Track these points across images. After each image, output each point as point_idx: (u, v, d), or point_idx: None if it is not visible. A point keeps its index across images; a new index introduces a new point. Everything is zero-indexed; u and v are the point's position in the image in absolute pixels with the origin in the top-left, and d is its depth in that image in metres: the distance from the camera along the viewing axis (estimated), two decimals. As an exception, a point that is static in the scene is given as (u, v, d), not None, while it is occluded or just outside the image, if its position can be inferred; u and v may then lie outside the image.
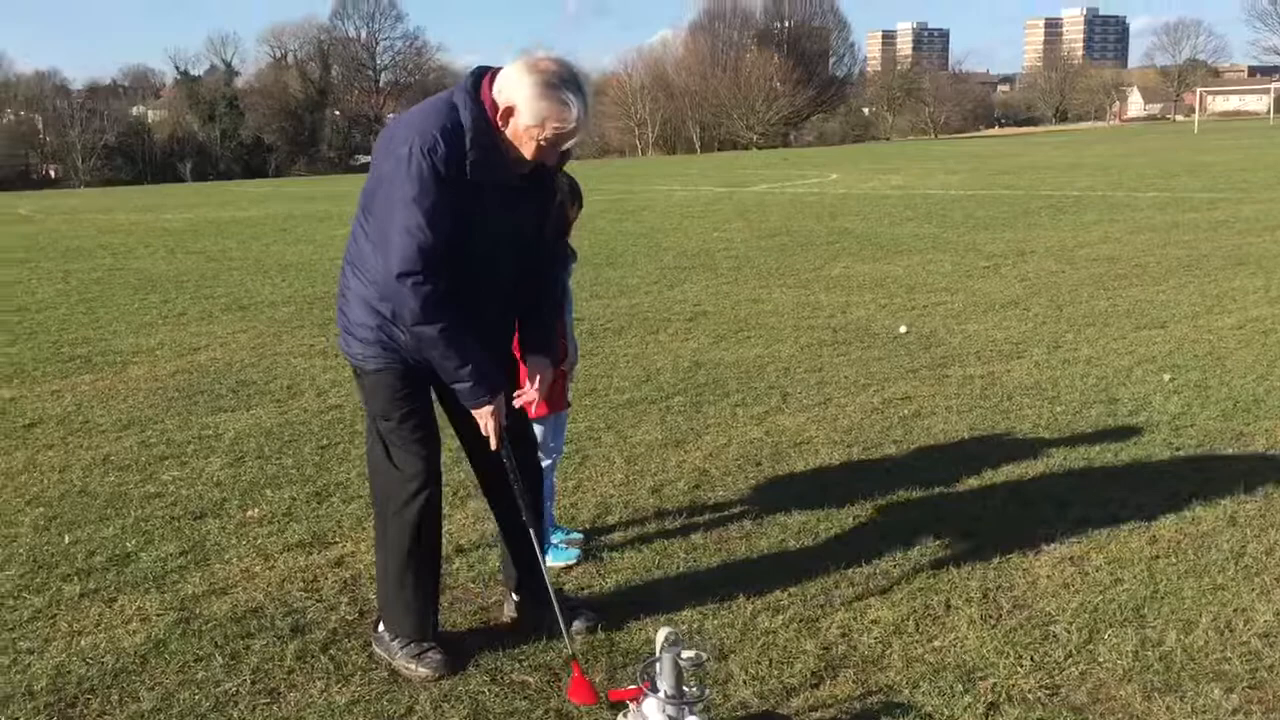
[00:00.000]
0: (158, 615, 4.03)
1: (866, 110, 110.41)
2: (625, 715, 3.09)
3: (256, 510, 5.13)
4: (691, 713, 2.94)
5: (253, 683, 3.52)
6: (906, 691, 3.33)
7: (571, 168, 3.52)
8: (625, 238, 16.98)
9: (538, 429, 4.28)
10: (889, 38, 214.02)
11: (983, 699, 3.26)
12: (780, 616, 3.84)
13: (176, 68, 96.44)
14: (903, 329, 8.73)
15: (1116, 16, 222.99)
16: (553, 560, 4.35)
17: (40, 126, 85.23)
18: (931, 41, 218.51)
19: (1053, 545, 4.35)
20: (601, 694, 3.27)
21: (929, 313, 9.50)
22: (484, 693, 3.42)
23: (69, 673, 3.61)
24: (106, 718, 3.34)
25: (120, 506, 5.23)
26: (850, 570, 4.18)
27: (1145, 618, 3.74)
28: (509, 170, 3.30)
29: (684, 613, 3.89)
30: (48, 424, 6.83)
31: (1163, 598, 3.88)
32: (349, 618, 3.97)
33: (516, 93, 3.17)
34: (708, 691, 3.12)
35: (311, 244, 18.22)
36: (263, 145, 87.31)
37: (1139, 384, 6.75)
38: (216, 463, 5.89)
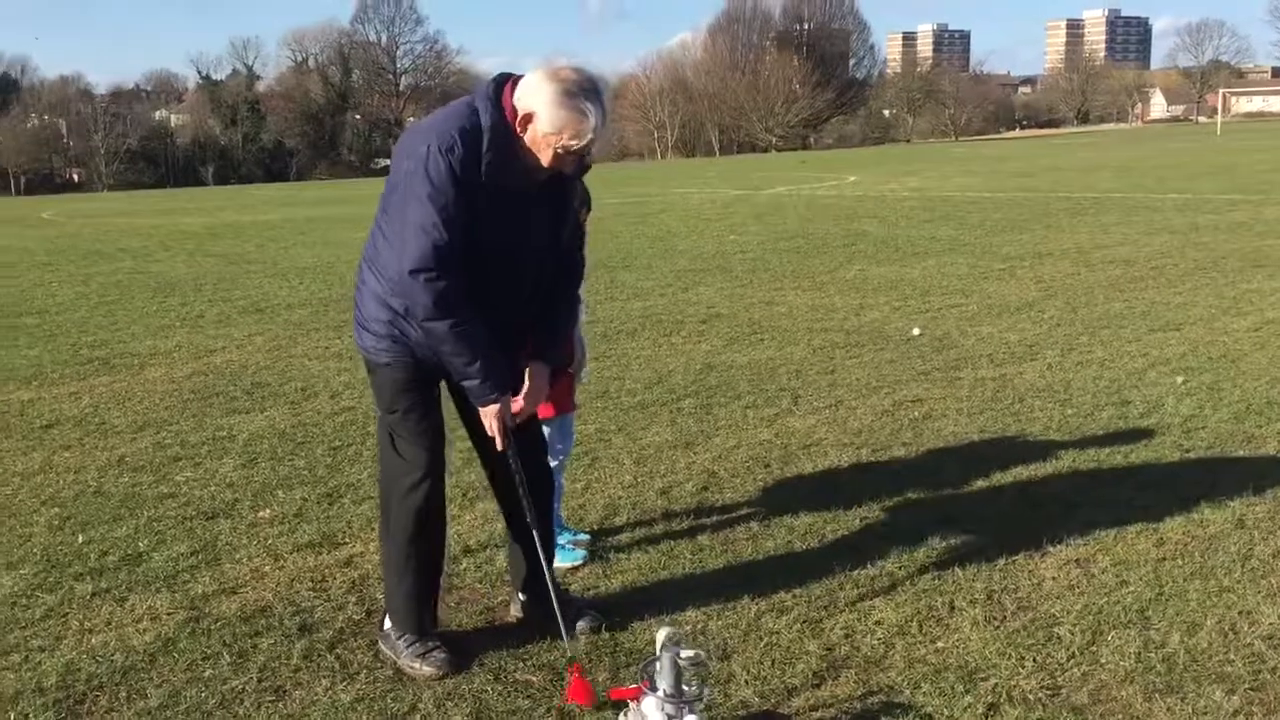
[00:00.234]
0: (168, 614, 4.07)
1: (886, 112, 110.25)
2: (625, 714, 3.11)
3: (268, 511, 5.18)
4: (690, 711, 2.96)
5: (259, 680, 3.55)
6: (907, 692, 3.34)
7: (590, 171, 3.54)
8: (641, 241, 17.01)
9: (544, 430, 4.31)
10: (909, 39, 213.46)
11: (983, 699, 3.27)
12: (784, 617, 3.85)
13: (199, 72, 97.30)
14: (916, 331, 8.73)
15: (1139, 17, 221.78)
16: (559, 561, 4.37)
17: (64, 131, 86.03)
18: (952, 43, 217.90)
19: (1059, 547, 4.34)
20: (601, 695, 3.29)
21: (943, 315, 9.49)
22: (487, 691, 3.44)
23: (78, 670, 3.65)
24: (114, 714, 3.38)
25: (134, 507, 5.29)
26: (855, 571, 4.19)
27: (1150, 619, 3.74)
28: (526, 176, 3.34)
29: (688, 613, 3.91)
30: (65, 425, 6.90)
31: (1168, 600, 3.87)
32: (356, 617, 4.00)
33: (536, 100, 3.21)
34: (707, 690, 3.13)
35: (329, 247, 18.32)
36: (284, 149, 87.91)
37: (1152, 386, 6.73)
38: (230, 464, 5.94)
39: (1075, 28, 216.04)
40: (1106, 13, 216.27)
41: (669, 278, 12.68)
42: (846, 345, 8.40)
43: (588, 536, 4.65)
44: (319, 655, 3.71)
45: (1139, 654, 3.50)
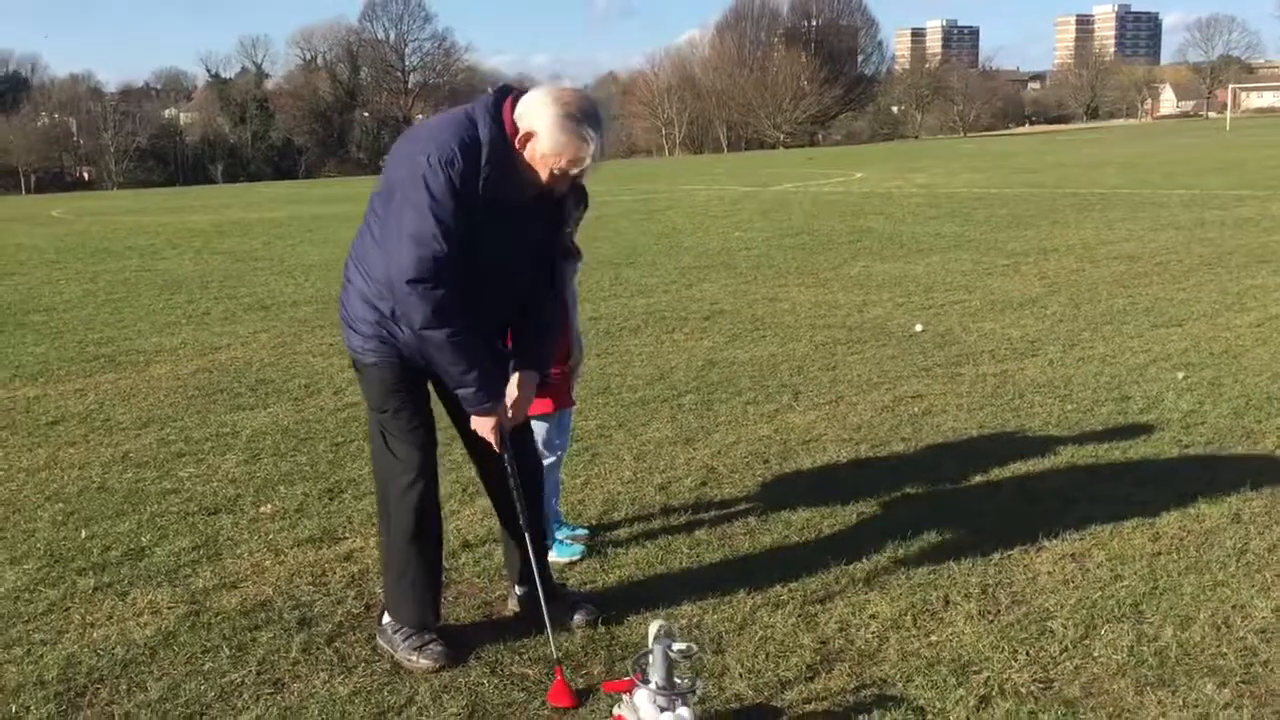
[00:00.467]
0: (168, 608, 4.11)
1: (895, 109, 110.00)
2: (619, 706, 3.14)
3: (269, 506, 5.21)
4: (682, 703, 2.99)
5: (258, 674, 3.59)
6: (900, 685, 3.36)
7: (599, 168, 3.57)
8: (647, 238, 17.03)
9: (541, 426, 4.34)
10: (918, 35, 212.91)
11: (975, 692, 3.29)
12: (779, 611, 3.87)
13: (208, 70, 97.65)
14: (918, 328, 8.74)
15: (1149, 12, 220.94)
16: (557, 556, 4.40)
17: (74, 129, 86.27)
18: (961, 39, 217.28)
19: (1055, 542, 4.36)
20: (580, 700, 3.32)
21: (946, 311, 9.50)
22: (483, 684, 3.47)
23: (79, 663, 3.69)
24: (114, 707, 3.42)
25: (137, 502, 5.33)
26: (851, 566, 4.21)
27: (1143, 613, 3.75)
28: (522, 190, 3.38)
29: (684, 607, 3.93)
30: (70, 422, 6.95)
31: (1162, 594, 3.89)
32: (355, 611, 4.03)
33: (538, 120, 3.26)
34: (700, 683, 3.16)
35: (336, 245, 18.37)
36: (293, 147, 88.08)
37: (1152, 382, 6.74)
38: (232, 460, 5.98)
39: (1085, 23, 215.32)
40: (1116, 8, 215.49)
41: (673, 274, 12.70)
42: (848, 341, 8.42)
43: (586, 531, 4.68)
44: (318, 649, 3.75)
45: (1132, 647, 3.51)
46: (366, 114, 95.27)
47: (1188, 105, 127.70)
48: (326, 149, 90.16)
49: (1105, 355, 7.54)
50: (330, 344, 9.22)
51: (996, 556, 4.25)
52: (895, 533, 4.52)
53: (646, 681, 3.01)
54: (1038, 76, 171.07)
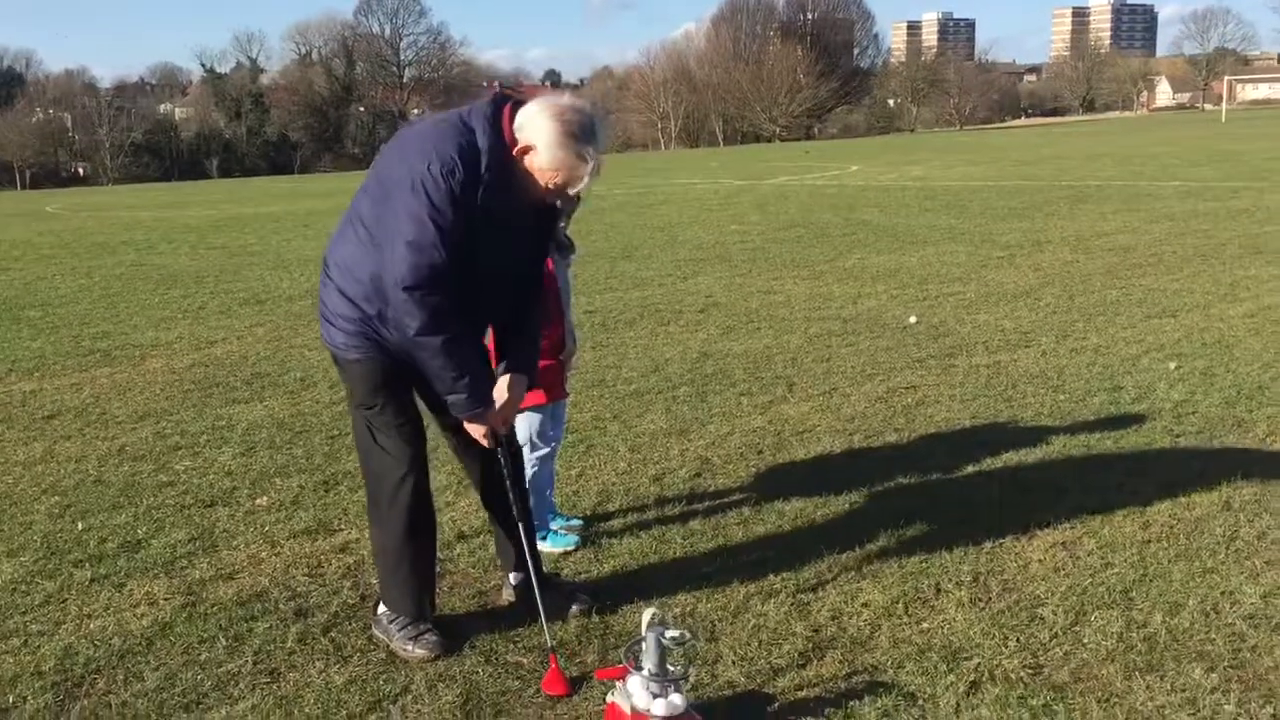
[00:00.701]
0: (165, 599, 4.13)
1: (891, 102, 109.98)
2: (612, 694, 3.16)
3: (265, 498, 5.23)
4: (675, 690, 3.01)
5: (254, 663, 3.61)
6: (891, 671, 3.39)
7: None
8: (643, 231, 17.04)
9: (536, 417, 4.37)
10: (914, 28, 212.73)
11: (965, 678, 3.31)
12: (772, 599, 3.90)
13: (203, 65, 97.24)
14: (912, 319, 8.76)
15: (1144, 5, 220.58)
16: (551, 546, 4.43)
17: (69, 125, 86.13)
18: (957, 31, 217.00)
19: (1046, 530, 4.39)
20: (574, 688, 3.36)
21: (940, 303, 9.52)
22: (478, 673, 3.50)
23: (77, 654, 3.71)
24: (112, 696, 3.44)
25: (133, 495, 5.35)
26: (844, 555, 4.24)
27: (1133, 600, 3.78)
28: (516, 199, 3.40)
29: (678, 596, 3.96)
30: (66, 415, 6.96)
31: (1151, 581, 3.92)
32: (350, 601, 4.06)
33: (538, 136, 3.28)
34: (692, 670, 3.18)
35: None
36: (288, 142, 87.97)
37: (1145, 372, 6.77)
38: (228, 453, 6.00)
39: (1081, 15, 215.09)
40: (1112, 0, 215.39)
41: (669, 267, 12.72)
42: (843, 333, 8.44)
43: (580, 522, 4.70)
44: (313, 639, 3.77)
45: (1121, 634, 3.54)
46: (362, 109, 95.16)
47: (1183, 97, 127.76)
48: (322, 144, 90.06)
49: (1098, 346, 7.57)
50: (326, 338, 9.23)
51: (988, 545, 4.27)
52: (888, 522, 4.55)
53: (640, 668, 3.03)
54: (1034, 69, 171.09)
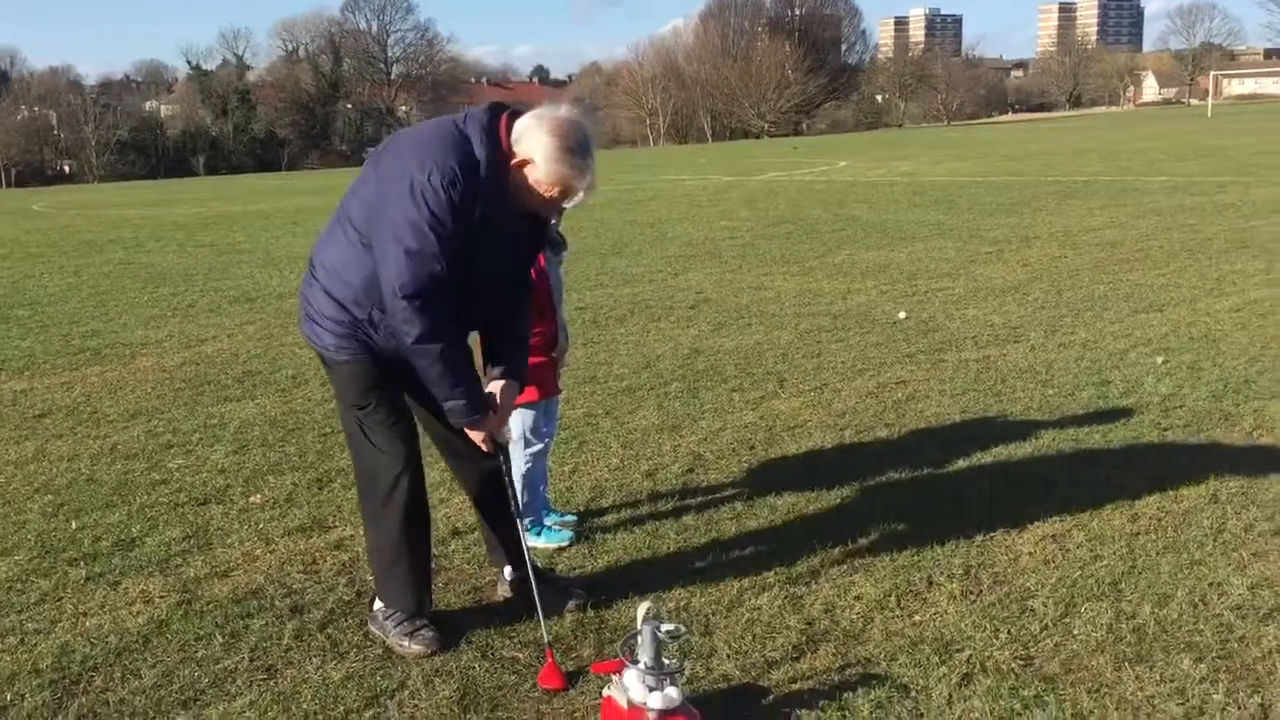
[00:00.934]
0: (160, 597, 4.14)
1: (879, 97, 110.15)
2: (608, 687, 3.19)
3: (259, 496, 5.25)
4: (671, 683, 3.04)
5: (251, 660, 3.63)
6: (884, 663, 3.43)
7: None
8: (632, 228, 17.06)
9: (529, 414, 4.39)
10: (901, 24, 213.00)
11: (957, 670, 3.35)
12: (766, 593, 3.93)
13: (189, 62, 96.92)
14: (902, 315, 8.81)
15: (1130, 0, 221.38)
16: (545, 541, 4.46)
17: (54, 122, 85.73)
18: (944, 27, 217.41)
19: (1036, 524, 4.43)
20: (570, 682, 3.39)
21: (929, 298, 9.57)
22: (474, 668, 3.52)
23: (73, 652, 3.73)
24: (109, 694, 3.45)
25: (126, 493, 5.36)
26: (836, 549, 4.27)
27: (1122, 592, 3.82)
28: (511, 209, 3.43)
29: (672, 591, 3.99)
30: (57, 414, 6.96)
31: (1140, 573, 3.96)
32: (346, 598, 4.08)
33: (536, 150, 3.31)
34: (688, 663, 3.21)
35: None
36: (275, 139, 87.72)
37: (1132, 366, 6.82)
38: (221, 451, 6.01)
39: (1067, 11, 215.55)
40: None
41: (659, 264, 12.75)
42: (833, 329, 8.48)
43: (574, 517, 4.73)
44: (310, 635, 3.79)
45: (1110, 625, 3.59)
46: (349, 106, 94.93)
47: (1170, 92, 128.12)
48: (309, 141, 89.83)
49: (1086, 341, 7.62)
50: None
51: (979, 538, 4.31)
52: (879, 516, 4.59)
53: (635, 662, 3.06)
54: (1021, 64, 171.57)
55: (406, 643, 3.64)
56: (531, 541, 4.34)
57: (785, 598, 3.89)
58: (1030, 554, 4.17)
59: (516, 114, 3.41)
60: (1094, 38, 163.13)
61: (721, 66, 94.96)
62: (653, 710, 2.99)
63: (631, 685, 3.05)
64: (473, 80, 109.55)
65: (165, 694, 3.44)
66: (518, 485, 4.34)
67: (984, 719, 3.11)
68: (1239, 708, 3.10)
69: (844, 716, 3.15)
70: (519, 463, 4.39)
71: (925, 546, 4.26)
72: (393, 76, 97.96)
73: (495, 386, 3.62)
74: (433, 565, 3.98)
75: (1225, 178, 20.03)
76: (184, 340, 9.34)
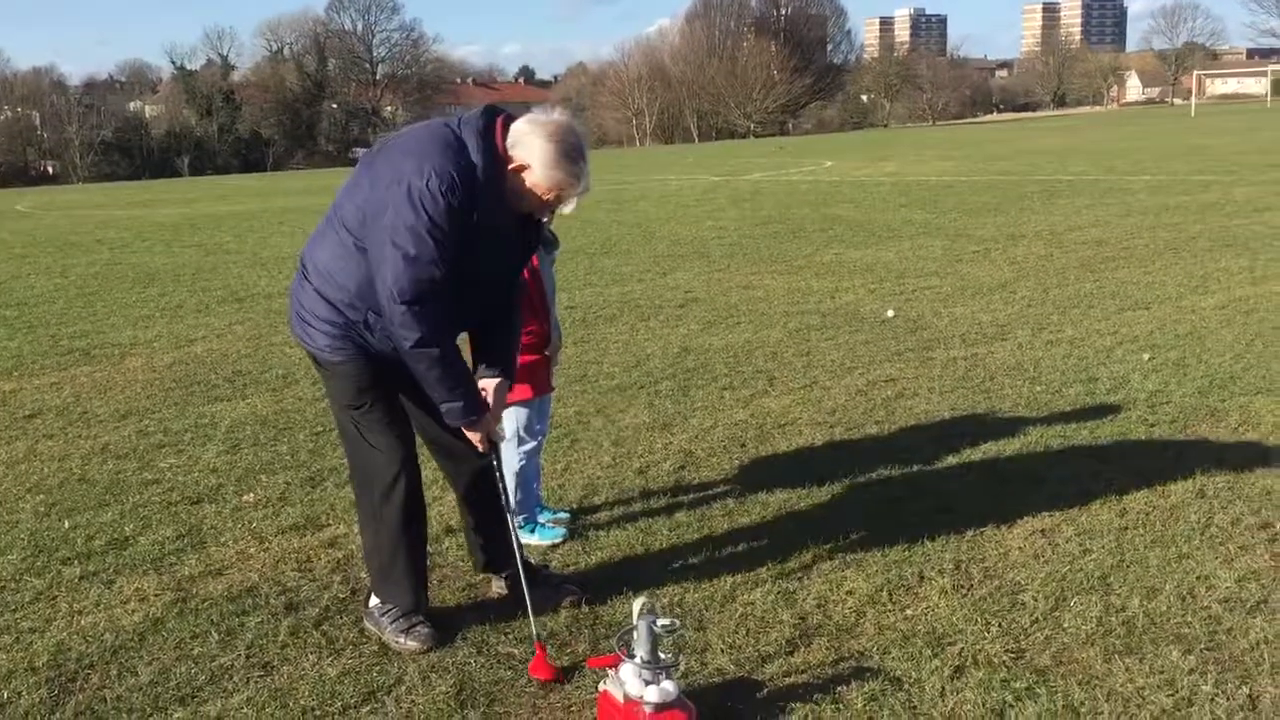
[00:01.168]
0: (155, 595, 4.15)
1: (864, 97, 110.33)
2: (604, 682, 3.21)
3: (252, 495, 5.25)
4: (666, 677, 3.07)
5: (247, 657, 3.64)
6: (877, 657, 3.46)
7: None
8: (620, 227, 17.08)
9: (522, 412, 4.41)
10: (886, 24, 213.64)
11: (950, 663, 3.39)
12: (758, 589, 3.96)
13: (173, 62, 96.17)
14: (890, 313, 8.85)
15: (1114, 0, 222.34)
16: (539, 539, 4.48)
17: (38, 123, 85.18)
18: (929, 27, 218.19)
19: (1025, 518, 4.47)
20: (561, 673, 3.42)
21: (917, 297, 9.62)
22: (470, 664, 3.54)
23: (69, 650, 3.73)
24: (106, 691, 3.46)
25: (119, 493, 5.36)
26: (828, 545, 4.30)
27: (1111, 585, 3.86)
28: (507, 211, 3.46)
29: (666, 587, 4.01)
30: (47, 415, 6.95)
31: (1129, 567, 4.00)
32: (341, 595, 4.09)
33: (533, 156, 3.35)
34: (682, 657, 3.24)
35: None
36: (260, 139, 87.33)
37: (1119, 363, 6.87)
38: (213, 450, 6.01)
39: (1051, 11, 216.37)
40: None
41: (647, 263, 12.77)
42: (822, 327, 8.52)
43: (567, 515, 4.75)
44: (305, 632, 3.80)
45: (1100, 618, 3.63)
46: (334, 106, 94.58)
47: (1153, 92, 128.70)
48: (294, 141, 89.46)
49: (1073, 338, 7.67)
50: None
51: (969, 533, 4.35)
52: (870, 512, 4.63)
53: (632, 656, 3.09)
54: (1005, 64, 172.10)
55: (402, 639, 3.66)
56: (525, 539, 4.37)
57: (778, 593, 3.92)
58: (1020, 549, 4.21)
59: (510, 118, 3.44)
60: (1078, 38, 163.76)
61: (707, 66, 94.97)
62: (649, 704, 3.02)
63: (628, 679, 3.07)
64: (458, 80, 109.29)
65: (162, 691, 3.45)
66: (511, 483, 4.38)
67: (976, 711, 3.14)
68: (1227, 698, 3.14)
69: (837, 709, 3.18)
70: (512, 460, 4.41)
71: (916, 542, 4.30)
72: (378, 76, 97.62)
73: (488, 385, 3.64)
74: (428, 562, 4.00)
75: (1209, 176, 20.15)
76: (173, 340, 9.33)
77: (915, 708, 3.18)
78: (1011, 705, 3.16)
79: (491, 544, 3.99)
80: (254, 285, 12.57)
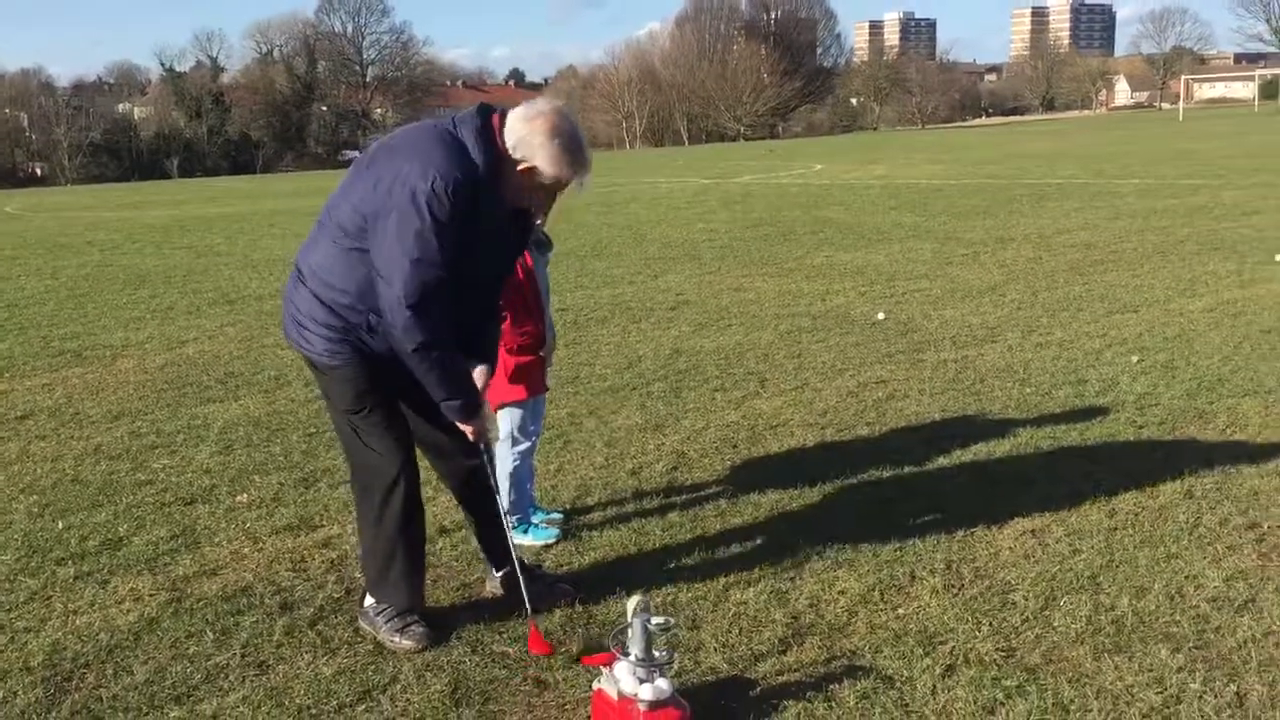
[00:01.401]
0: (150, 595, 4.16)
1: (854, 101, 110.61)
2: (599, 680, 3.23)
3: (245, 495, 5.26)
4: (660, 675, 3.09)
5: (242, 656, 3.66)
6: (869, 656, 3.49)
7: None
8: (611, 230, 17.11)
9: (517, 412, 4.43)
10: (876, 28, 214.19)
11: (941, 661, 3.42)
12: (751, 589, 3.98)
13: (162, 64, 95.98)
14: (880, 315, 8.89)
15: (1103, 4, 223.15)
16: (533, 539, 4.50)
17: (26, 124, 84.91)
18: (918, 31, 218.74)
19: (1015, 519, 4.51)
20: (559, 649, 3.50)
21: (907, 299, 9.66)
22: (465, 663, 3.56)
23: (64, 649, 3.74)
24: (102, 690, 3.47)
25: (112, 494, 5.36)
26: (820, 545, 4.33)
27: (1100, 585, 3.90)
28: (503, 208, 3.49)
29: (659, 587, 4.03)
30: (39, 416, 6.95)
31: (1118, 566, 4.04)
32: (335, 595, 4.11)
33: (538, 152, 3.38)
34: (675, 655, 3.26)
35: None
36: (249, 141, 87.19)
37: (1108, 366, 6.92)
38: (206, 451, 6.02)
39: (1040, 15, 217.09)
40: (1071, 0, 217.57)
41: (638, 265, 12.80)
42: (813, 330, 8.56)
43: (561, 515, 4.77)
44: (300, 631, 3.82)
45: (1090, 617, 3.66)
46: (324, 108, 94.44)
47: (1141, 96, 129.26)
48: (284, 143, 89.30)
49: (1062, 340, 7.72)
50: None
51: (960, 533, 4.38)
52: (862, 513, 4.66)
53: (626, 654, 3.11)
54: (994, 69, 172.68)
55: (398, 638, 3.68)
56: (518, 539, 4.39)
57: (771, 592, 3.95)
58: (1010, 549, 4.24)
59: (504, 114, 3.46)
60: (1066, 42, 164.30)
61: (697, 70, 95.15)
62: (643, 701, 3.04)
63: (622, 677, 3.10)
64: (448, 83, 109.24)
65: (158, 690, 3.46)
66: (505, 483, 4.40)
67: (967, 708, 3.17)
68: (1215, 695, 3.18)
69: (830, 707, 3.21)
70: (506, 461, 4.43)
71: (907, 542, 4.33)
72: (368, 79, 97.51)
73: (477, 375, 3.67)
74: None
75: (1197, 180, 20.26)
76: (165, 342, 9.32)
77: (907, 705, 3.20)
78: (1002, 703, 3.19)
79: (485, 543, 4.01)
80: (245, 287, 12.57)
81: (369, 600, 3.83)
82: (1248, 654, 3.39)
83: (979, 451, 5.42)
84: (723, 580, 4.06)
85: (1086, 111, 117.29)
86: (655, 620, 3.11)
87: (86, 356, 8.84)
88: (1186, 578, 3.92)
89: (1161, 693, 3.20)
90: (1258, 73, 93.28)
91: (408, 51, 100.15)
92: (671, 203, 22.23)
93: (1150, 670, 3.32)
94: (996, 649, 3.49)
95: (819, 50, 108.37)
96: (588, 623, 3.80)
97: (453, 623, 3.82)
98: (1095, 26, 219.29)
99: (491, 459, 3.84)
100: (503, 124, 3.41)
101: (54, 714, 3.35)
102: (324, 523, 4.86)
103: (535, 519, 4.62)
